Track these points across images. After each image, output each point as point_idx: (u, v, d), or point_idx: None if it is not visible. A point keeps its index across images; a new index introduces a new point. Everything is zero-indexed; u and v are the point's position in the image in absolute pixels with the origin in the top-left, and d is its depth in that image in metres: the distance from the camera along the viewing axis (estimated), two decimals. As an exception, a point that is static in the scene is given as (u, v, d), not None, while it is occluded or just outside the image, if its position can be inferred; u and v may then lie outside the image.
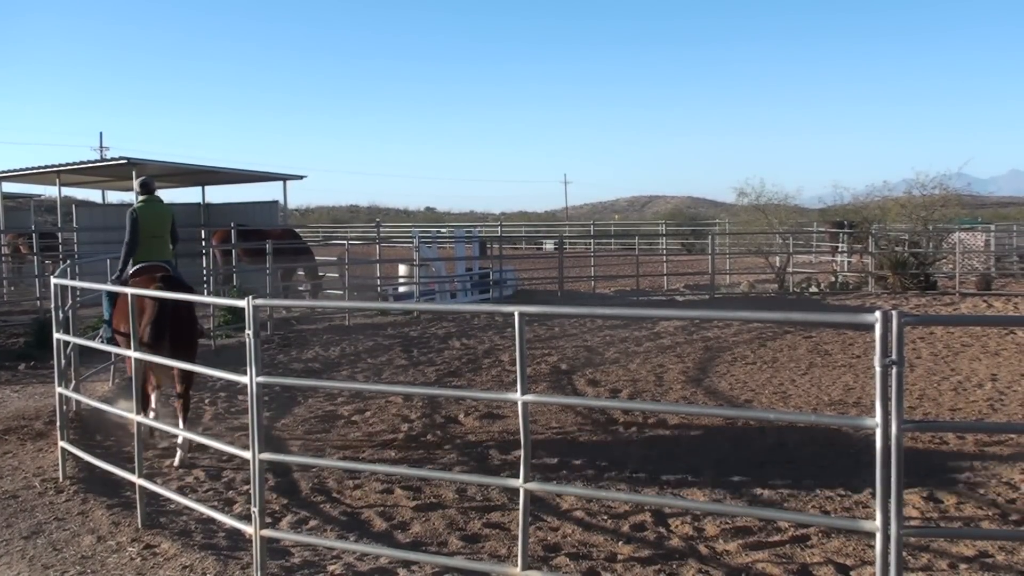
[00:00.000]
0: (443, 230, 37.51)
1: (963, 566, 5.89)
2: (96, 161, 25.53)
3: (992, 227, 33.21)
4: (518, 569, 4.97)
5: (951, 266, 24.13)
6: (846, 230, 28.20)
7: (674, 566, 5.98)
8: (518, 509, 5.05)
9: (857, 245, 27.52)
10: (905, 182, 27.36)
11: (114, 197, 34.04)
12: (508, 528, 6.73)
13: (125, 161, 22.11)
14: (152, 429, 9.07)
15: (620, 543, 6.43)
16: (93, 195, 38.65)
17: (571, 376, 12.99)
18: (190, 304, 9.27)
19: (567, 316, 17.29)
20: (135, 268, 9.54)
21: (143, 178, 10.19)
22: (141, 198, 9.88)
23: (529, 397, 4.96)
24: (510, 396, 5.04)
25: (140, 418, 6.87)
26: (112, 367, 12.11)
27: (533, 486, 5.14)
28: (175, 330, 8.62)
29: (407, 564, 5.96)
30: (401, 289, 22.30)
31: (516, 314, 4.89)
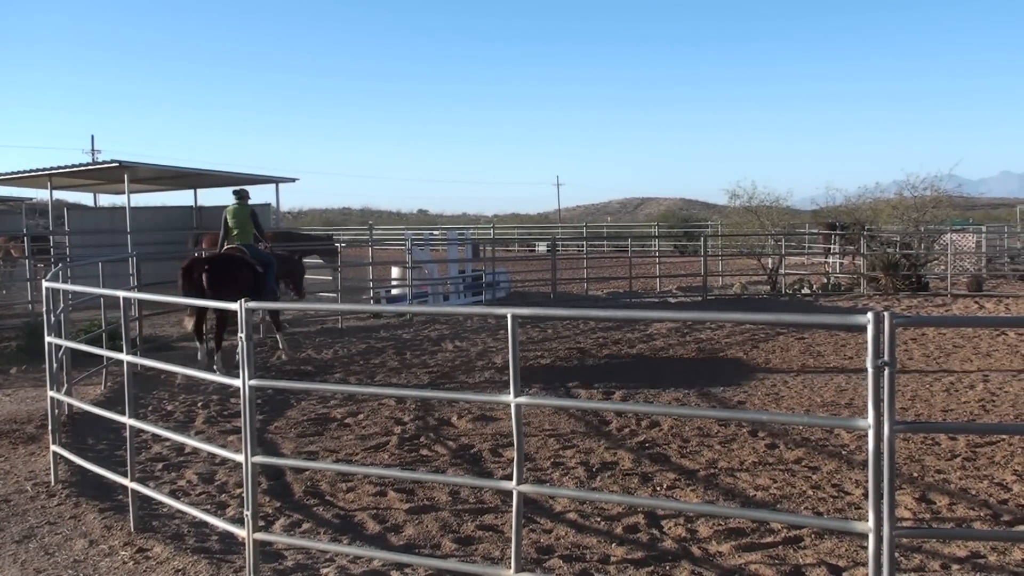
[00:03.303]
0: (436, 232, 37.52)
1: (955, 567, 5.91)
2: (88, 164, 25.36)
3: (983, 228, 33.27)
4: (511, 571, 4.97)
5: (942, 267, 24.22)
6: (838, 231, 28.26)
7: (667, 568, 5.99)
8: (511, 511, 5.06)
9: (849, 246, 27.58)
10: (896, 184, 27.50)
11: (106, 200, 33.93)
12: (501, 530, 6.73)
13: (117, 164, 22.03)
14: (211, 354, 13.28)
15: (613, 545, 6.44)
16: (85, 198, 38.60)
17: (564, 378, 12.98)
18: (226, 268, 13.03)
19: (560, 318, 17.30)
20: (224, 249, 13.93)
21: (237, 187, 14.41)
22: (234, 202, 14.09)
23: (522, 399, 4.97)
24: (503, 398, 5.04)
25: (132, 421, 6.85)
26: (104, 371, 12.08)
27: (526, 488, 5.14)
28: (208, 286, 12.59)
29: (400, 567, 5.96)
30: (394, 291, 22.28)
31: (509, 316, 4.89)
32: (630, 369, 13.63)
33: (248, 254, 13.68)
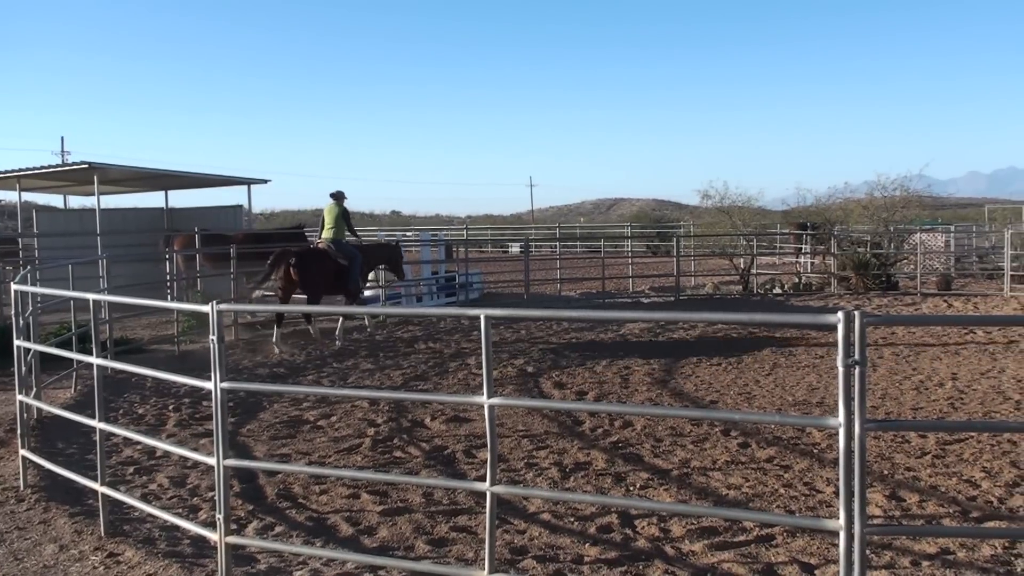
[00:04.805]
0: (409, 233, 37.46)
1: (925, 563, 5.97)
2: (57, 166, 25.14)
3: (952, 228, 33.66)
4: (485, 572, 4.97)
5: (912, 266, 24.42)
6: (809, 231, 28.43)
7: (641, 567, 6.01)
8: (485, 512, 5.06)
9: (820, 246, 27.77)
10: (867, 184, 27.69)
11: (75, 202, 33.60)
12: (475, 532, 6.73)
13: (87, 166, 21.84)
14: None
15: (587, 545, 6.45)
16: (55, 200, 38.19)
17: (537, 379, 13.00)
18: (310, 261, 15.54)
19: (533, 319, 17.31)
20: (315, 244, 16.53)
21: (334, 190, 16.33)
22: (330, 202, 16.25)
23: (495, 400, 4.97)
24: (476, 399, 5.04)
25: (103, 425, 6.79)
26: (74, 374, 11.97)
27: (500, 489, 5.14)
28: (296, 277, 15.36)
29: (374, 569, 5.94)
30: (367, 293, 22.20)
31: (482, 317, 4.89)
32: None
33: (334, 248, 15.84)
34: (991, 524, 6.89)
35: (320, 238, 16.27)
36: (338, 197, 16.28)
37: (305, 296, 15.82)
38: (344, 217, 16.15)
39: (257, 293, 17.37)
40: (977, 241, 33.80)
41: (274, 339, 15.49)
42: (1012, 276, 22.34)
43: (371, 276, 22.95)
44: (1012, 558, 6.06)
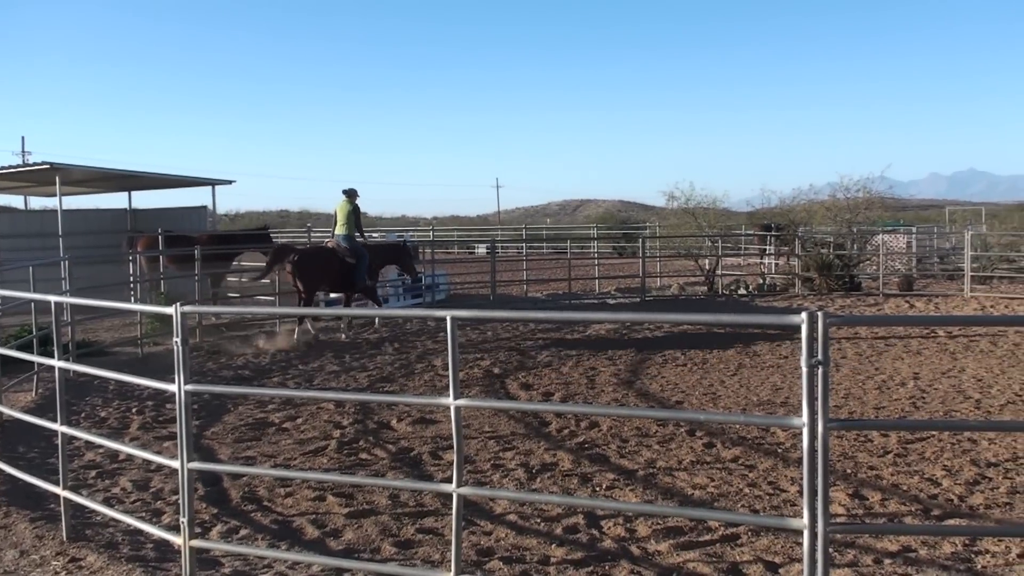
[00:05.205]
0: (375, 235, 37.30)
1: (888, 561, 6.03)
2: (18, 166, 24.81)
3: (913, 229, 34.00)
4: (451, 574, 4.97)
5: (875, 267, 24.66)
6: (773, 233, 28.63)
7: (607, 567, 6.03)
8: (451, 514, 5.05)
9: (784, 247, 27.97)
10: (830, 186, 27.91)
11: (37, 203, 33.21)
12: (442, 533, 6.72)
13: (48, 166, 21.59)
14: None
15: (553, 546, 6.46)
16: (15, 201, 37.76)
17: (504, 380, 13.00)
18: (310, 262, 15.98)
19: (500, 320, 17.30)
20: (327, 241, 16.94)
21: (347, 187, 16.70)
22: (343, 199, 16.58)
23: (462, 401, 4.97)
24: (442, 401, 5.04)
25: (65, 428, 6.72)
26: (35, 377, 11.82)
27: (466, 490, 5.14)
28: (295, 274, 15.85)
29: (340, 572, 5.92)
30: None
31: (448, 319, 4.89)
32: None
33: (345, 246, 16.37)
34: (952, 522, 6.98)
35: (333, 235, 16.78)
36: (351, 194, 16.68)
37: (305, 294, 16.20)
38: (355, 214, 16.61)
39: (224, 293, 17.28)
40: (938, 242, 34.17)
41: (309, 329, 16.38)
42: (972, 277, 22.62)
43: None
44: (972, 555, 6.14)
